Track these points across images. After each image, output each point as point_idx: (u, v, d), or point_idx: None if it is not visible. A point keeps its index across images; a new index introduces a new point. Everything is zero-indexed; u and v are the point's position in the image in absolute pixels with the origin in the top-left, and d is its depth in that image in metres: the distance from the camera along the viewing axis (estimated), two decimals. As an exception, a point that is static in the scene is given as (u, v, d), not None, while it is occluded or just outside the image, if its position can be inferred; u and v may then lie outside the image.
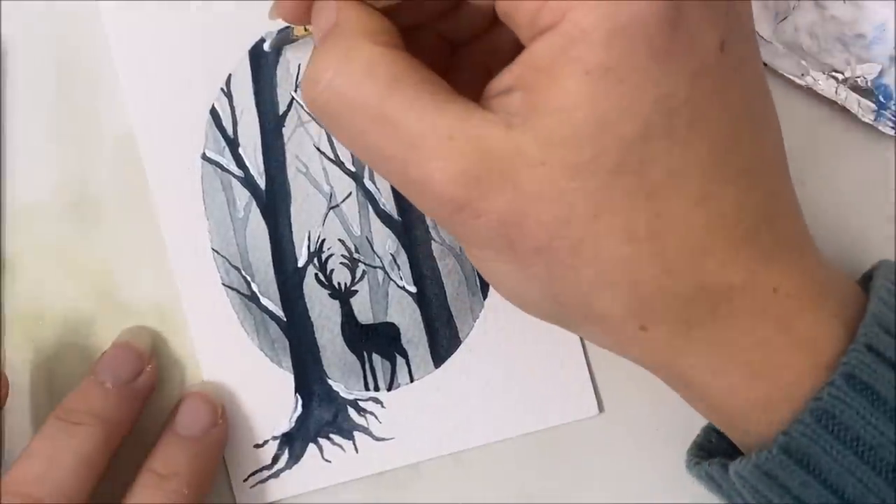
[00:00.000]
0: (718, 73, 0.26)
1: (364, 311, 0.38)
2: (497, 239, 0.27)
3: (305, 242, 0.38)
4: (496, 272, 0.29)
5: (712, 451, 0.34)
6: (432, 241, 0.38)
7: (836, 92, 0.37)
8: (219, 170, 0.38)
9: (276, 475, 0.37)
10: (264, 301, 0.38)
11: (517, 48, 0.27)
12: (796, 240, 0.29)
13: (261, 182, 0.38)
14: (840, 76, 0.37)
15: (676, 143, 0.26)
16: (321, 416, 0.38)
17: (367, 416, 0.38)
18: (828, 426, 0.27)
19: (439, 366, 0.38)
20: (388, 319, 0.38)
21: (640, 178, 0.26)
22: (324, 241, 0.38)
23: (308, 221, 0.38)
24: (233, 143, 0.38)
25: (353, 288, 0.38)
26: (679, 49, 0.25)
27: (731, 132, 0.27)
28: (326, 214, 0.38)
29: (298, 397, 0.38)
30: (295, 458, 0.38)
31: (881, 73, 0.37)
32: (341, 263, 0.38)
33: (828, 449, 0.27)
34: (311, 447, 0.38)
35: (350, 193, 0.38)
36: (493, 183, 0.26)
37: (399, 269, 0.38)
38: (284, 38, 0.37)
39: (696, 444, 0.35)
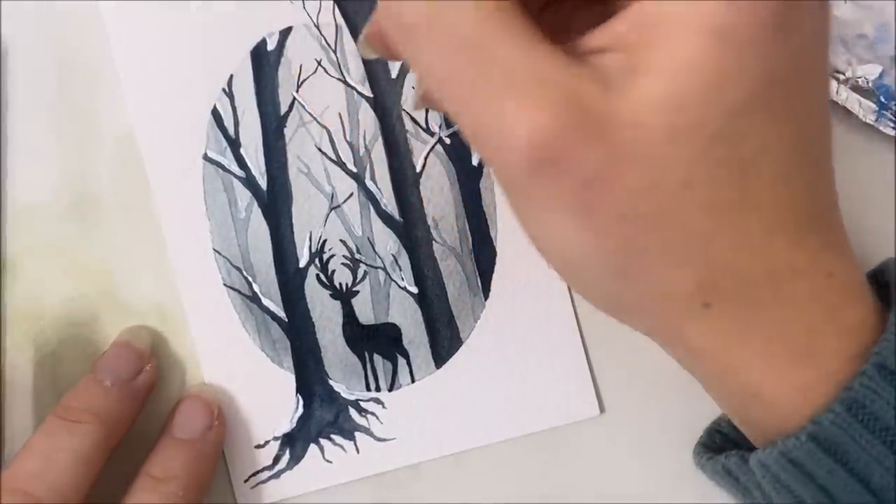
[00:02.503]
0: (813, 55, 0.26)
1: (365, 311, 0.38)
2: (577, 202, 0.25)
3: (307, 243, 0.38)
4: (559, 241, 0.27)
5: (717, 450, 0.34)
6: (434, 242, 0.38)
7: (837, 92, 0.37)
8: (220, 170, 0.38)
9: (276, 476, 0.37)
10: (265, 301, 0.38)
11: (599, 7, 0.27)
12: (842, 230, 0.29)
13: (262, 182, 0.38)
14: (841, 76, 0.37)
15: (772, 119, 0.26)
16: (322, 417, 0.38)
17: (369, 416, 0.38)
18: (858, 415, 0.27)
19: (440, 366, 0.38)
20: (390, 320, 0.38)
21: (734, 149, 0.25)
22: (325, 241, 0.38)
23: (309, 222, 0.38)
24: (234, 144, 0.38)
25: (354, 288, 0.38)
26: (791, 24, 0.25)
27: (812, 114, 0.27)
28: (328, 215, 0.38)
29: (299, 398, 0.38)
30: (296, 459, 0.38)
31: (882, 74, 0.37)
32: (343, 264, 0.38)
33: (857, 438, 0.27)
34: (312, 448, 0.38)
35: (351, 194, 0.38)
36: (585, 138, 0.25)
37: (400, 269, 0.38)
38: None
39: (701, 443, 0.35)
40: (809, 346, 0.28)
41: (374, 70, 0.38)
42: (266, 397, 0.37)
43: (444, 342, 0.38)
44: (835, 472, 0.28)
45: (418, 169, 0.38)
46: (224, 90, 0.38)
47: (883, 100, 0.37)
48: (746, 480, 0.31)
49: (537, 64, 0.25)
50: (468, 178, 0.38)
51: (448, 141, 0.38)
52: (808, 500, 0.28)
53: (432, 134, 0.38)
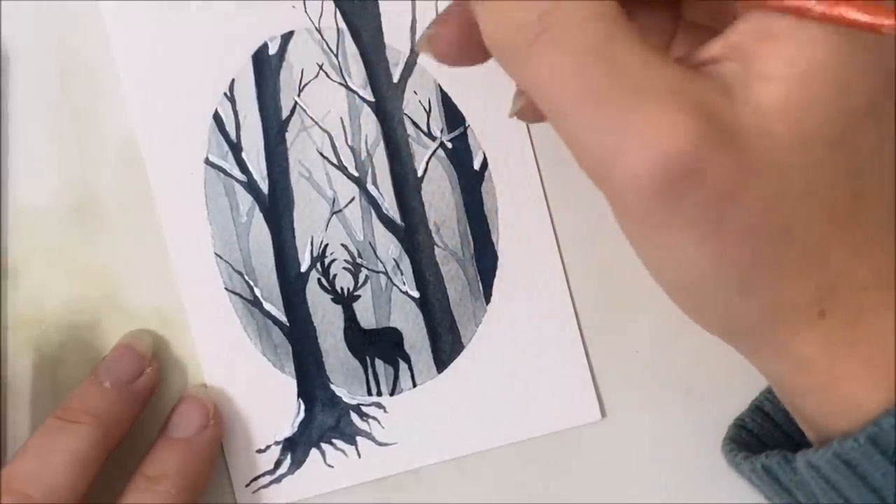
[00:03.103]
0: None
1: (367, 316, 0.38)
2: (706, 216, 0.25)
3: (308, 247, 0.38)
4: (682, 261, 0.26)
5: (744, 446, 0.34)
6: (435, 247, 0.38)
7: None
8: (222, 174, 0.38)
9: (278, 480, 0.37)
10: (267, 306, 0.38)
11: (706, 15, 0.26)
12: None
13: (264, 187, 0.38)
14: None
15: (882, 122, 0.25)
16: (324, 421, 0.38)
17: (370, 421, 0.38)
18: None
19: (442, 371, 0.38)
20: (391, 324, 0.38)
21: (851, 153, 0.25)
22: (326, 245, 0.38)
23: (311, 226, 0.38)
24: (236, 148, 0.38)
25: (355, 293, 0.38)
26: None
27: None
28: (329, 219, 0.38)
29: (301, 402, 0.38)
30: (297, 463, 0.38)
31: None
32: (344, 268, 0.38)
33: None
34: (314, 452, 0.38)
35: (353, 198, 0.38)
36: (719, 149, 0.24)
37: (402, 274, 0.38)
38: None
39: (730, 439, 0.34)
40: None
41: (375, 74, 0.38)
42: (267, 402, 0.37)
43: (446, 347, 0.38)
44: (889, 474, 0.27)
45: (420, 173, 0.38)
46: (225, 94, 0.38)
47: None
48: (788, 480, 0.30)
49: (664, 74, 0.24)
50: (470, 183, 0.38)
51: (450, 145, 0.38)
52: (857, 502, 0.28)
53: (434, 138, 0.38)
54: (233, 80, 0.38)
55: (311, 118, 0.38)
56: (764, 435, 0.34)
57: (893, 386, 0.27)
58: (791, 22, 0.24)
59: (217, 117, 0.37)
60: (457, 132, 0.38)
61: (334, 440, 0.38)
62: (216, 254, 0.37)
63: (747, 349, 0.29)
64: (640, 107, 0.24)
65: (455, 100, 0.38)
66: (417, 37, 0.29)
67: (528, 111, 0.29)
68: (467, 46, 0.28)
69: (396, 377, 0.38)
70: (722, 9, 0.27)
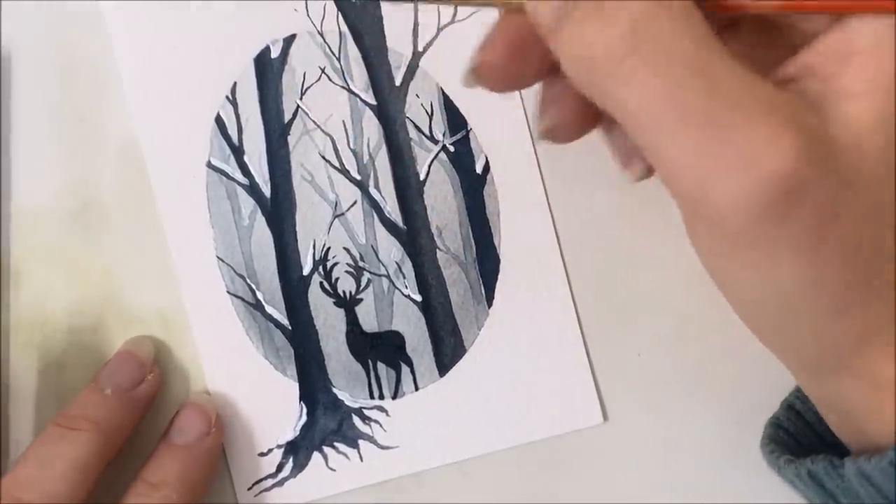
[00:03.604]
0: None
1: (369, 319, 0.38)
2: (807, 236, 0.24)
3: (310, 251, 0.38)
4: (771, 285, 0.25)
5: (784, 445, 0.33)
6: (437, 250, 0.38)
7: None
8: (224, 178, 0.38)
9: (280, 483, 0.37)
10: (269, 309, 0.38)
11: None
12: None
13: (266, 190, 0.38)
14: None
15: None
16: (326, 425, 0.38)
17: (372, 424, 0.38)
18: None
19: (444, 374, 0.38)
20: (394, 328, 0.38)
21: None
22: (329, 249, 0.38)
23: (313, 230, 0.38)
24: (238, 151, 0.38)
25: (358, 296, 0.38)
26: None
27: None
28: (332, 223, 0.38)
29: (303, 405, 0.38)
30: (299, 467, 0.38)
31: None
32: (346, 272, 0.38)
33: None
34: (316, 455, 0.38)
35: (355, 202, 0.38)
36: (819, 165, 0.23)
37: (404, 277, 0.38)
38: None
39: (770, 440, 0.34)
40: None
41: (377, 78, 0.38)
42: (269, 405, 0.37)
43: (448, 350, 0.38)
44: None
45: (422, 177, 0.38)
46: (228, 97, 0.38)
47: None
48: (834, 487, 0.30)
49: (760, 90, 0.24)
50: (472, 186, 0.38)
51: (452, 149, 0.38)
52: None
53: (436, 142, 0.38)
54: (235, 83, 0.37)
55: (314, 121, 0.38)
56: (798, 433, 0.33)
57: None
58: (871, 39, 0.24)
59: (219, 120, 0.37)
60: (459, 136, 0.38)
61: (336, 443, 0.38)
62: (218, 257, 0.37)
63: (819, 373, 0.28)
64: (741, 125, 0.23)
65: (457, 103, 0.38)
66: (463, 72, 0.27)
67: (560, 130, 0.28)
68: (519, 70, 0.27)
69: (398, 380, 0.38)
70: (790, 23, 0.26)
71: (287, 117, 0.38)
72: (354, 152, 0.38)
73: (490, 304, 0.38)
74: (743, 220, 0.24)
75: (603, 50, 0.23)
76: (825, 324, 0.26)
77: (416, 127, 0.38)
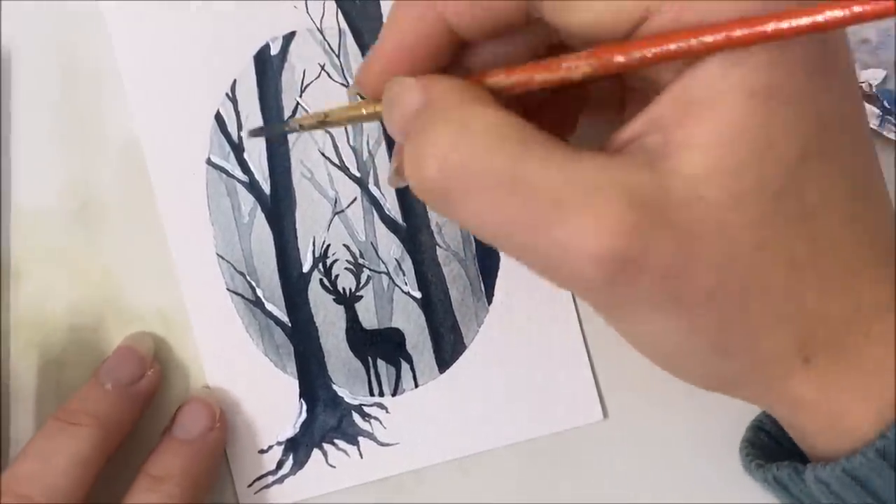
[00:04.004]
0: (853, 92, 0.26)
1: (369, 316, 0.38)
2: (661, 295, 0.25)
3: (310, 248, 0.38)
4: (653, 335, 0.27)
5: (763, 448, 0.34)
6: (437, 247, 0.38)
7: (840, 98, 0.37)
8: (224, 175, 0.38)
9: (280, 481, 0.37)
10: (269, 306, 0.38)
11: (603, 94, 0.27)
12: None
13: (266, 187, 0.38)
14: (844, 82, 0.37)
15: (827, 163, 0.26)
16: (326, 422, 0.38)
17: (372, 421, 0.38)
18: None
19: (444, 371, 0.38)
20: (393, 325, 0.38)
21: (797, 201, 0.25)
22: (329, 246, 0.38)
23: (313, 227, 0.38)
24: (238, 149, 0.38)
25: (357, 293, 0.38)
26: (829, 67, 0.25)
27: (862, 151, 0.27)
28: (331, 220, 0.38)
29: (303, 403, 0.38)
30: (299, 464, 0.38)
31: (886, 79, 0.37)
32: (346, 269, 0.38)
33: None
34: (316, 452, 0.38)
35: (355, 199, 0.38)
36: (652, 229, 0.24)
37: (404, 274, 0.38)
38: (272, 130, 0.37)
39: (748, 441, 0.34)
40: None
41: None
42: (269, 402, 0.37)
43: (448, 347, 0.38)
44: None
45: (422, 174, 0.38)
46: (227, 95, 0.38)
47: (886, 104, 0.37)
48: (798, 492, 0.30)
49: (583, 174, 0.24)
50: (471, 183, 0.38)
51: (451, 146, 0.38)
52: None
53: (436, 139, 0.38)
54: (235, 81, 0.38)
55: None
56: (780, 436, 0.34)
57: (893, 406, 0.27)
58: (708, 89, 0.25)
59: (219, 118, 0.38)
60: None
61: (336, 440, 0.38)
62: (218, 254, 0.37)
63: (740, 397, 0.29)
64: (565, 219, 0.24)
65: (457, 100, 0.38)
66: (388, 176, 0.31)
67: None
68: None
69: (398, 377, 0.38)
70: (649, 76, 0.27)
71: (287, 114, 0.38)
72: (354, 149, 0.38)
73: (490, 300, 0.38)
74: (595, 294, 0.26)
75: (427, 183, 0.25)
76: (715, 363, 0.27)
77: (416, 124, 0.38)
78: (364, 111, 0.29)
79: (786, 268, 0.26)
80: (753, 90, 0.24)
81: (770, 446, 0.34)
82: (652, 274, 0.25)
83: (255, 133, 0.32)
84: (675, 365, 0.28)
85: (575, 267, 0.25)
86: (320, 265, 0.38)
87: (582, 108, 0.32)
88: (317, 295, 0.38)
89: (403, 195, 0.38)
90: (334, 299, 0.38)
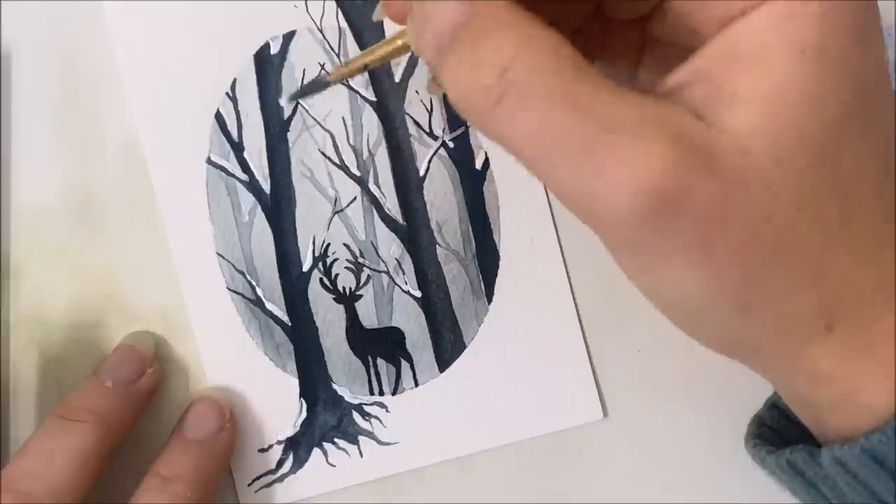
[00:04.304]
0: (883, 59, 0.26)
1: (369, 315, 0.38)
2: (694, 242, 0.25)
3: (310, 247, 0.38)
4: (677, 286, 0.26)
5: (768, 440, 0.34)
6: (437, 246, 0.38)
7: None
8: (224, 174, 0.38)
9: (280, 480, 0.37)
10: (269, 305, 0.38)
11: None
12: None
13: (266, 186, 0.38)
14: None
15: (865, 129, 0.26)
16: (326, 421, 0.38)
17: (372, 420, 0.38)
18: None
19: (444, 370, 0.38)
20: (393, 324, 0.38)
21: (835, 164, 0.25)
22: (329, 245, 0.38)
23: (313, 226, 0.38)
24: (238, 148, 0.38)
25: (357, 292, 0.38)
26: (870, 35, 0.25)
27: (892, 121, 0.27)
28: (331, 219, 0.38)
29: (303, 402, 0.38)
30: (300, 463, 0.38)
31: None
32: (346, 268, 0.38)
33: None
34: (316, 451, 0.38)
35: (355, 198, 0.38)
36: (695, 171, 0.24)
37: (404, 273, 0.38)
38: (314, 87, 0.36)
39: (754, 434, 0.34)
40: None
41: (377, 74, 0.38)
42: (270, 401, 0.37)
43: (448, 346, 0.38)
44: None
45: (422, 173, 0.38)
46: (227, 94, 0.38)
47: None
48: (813, 475, 0.30)
49: (632, 109, 0.24)
50: (471, 182, 0.38)
51: (451, 145, 0.38)
52: (886, 497, 0.28)
53: (436, 138, 0.38)
54: (235, 80, 0.38)
55: (313, 118, 0.38)
56: (782, 430, 0.34)
57: None
58: (757, 43, 0.25)
59: (219, 117, 0.38)
60: (458, 131, 0.38)
61: (336, 440, 0.38)
62: (218, 253, 0.37)
63: (758, 366, 0.29)
64: (611, 146, 0.24)
65: (457, 99, 0.38)
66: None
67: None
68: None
69: (398, 377, 0.38)
70: (687, 26, 0.27)
71: (287, 114, 0.38)
72: (354, 149, 0.38)
73: (490, 300, 0.38)
74: (629, 231, 0.25)
75: (478, 95, 0.25)
76: (735, 321, 0.27)
77: (416, 123, 0.38)
78: (400, 42, 0.29)
79: (819, 232, 0.26)
80: (804, 46, 0.24)
81: (773, 440, 0.34)
82: (688, 217, 0.24)
83: (296, 95, 0.33)
84: (694, 323, 0.28)
85: (613, 198, 0.24)
86: (320, 264, 0.38)
87: (597, 54, 0.31)
88: (317, 294, 0.38)
89: (404, 194, 0.38)
90: (334, 298, 0.38)
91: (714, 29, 0.26)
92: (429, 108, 0.38)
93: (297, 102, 0.38)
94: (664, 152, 0.24)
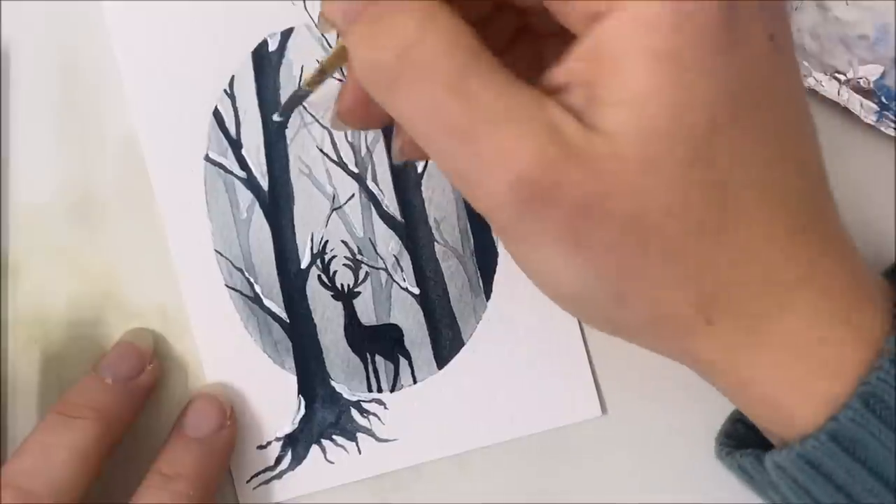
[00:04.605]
0: (771, 62, 0.26)
1: (367, 312, 0.38)
2: (565, 234, 0.26)
3: (308, 244, 0.38)
4: (555, 273, 0.27)
5: (740, 439, 0.34)
6: (435, 243, 0.38)
7: (838, 93, 0.37)
8: (222, 171, 0.38)
9: (279, 476, 0.37)
10: (267, 302, 0.38)
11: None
12: (841, 231, 0.29)
13: (264, 184, 0.38)
14: (842, 77, 0.37)
15: (740, 132, 0.26)
16: (324, 418, 0.38)
17: (370, 417, 0.38)
18: (875, 410, 0.27)
19: (442, 367, 0.38)
20: (392, 321, 0.38)
21: (709, 169, 0.26)
22: (327, 242, 0.38)
23: (311, 223, 0.38)
24: (236, 145, 0.38)
25: (356, 289, 0.38)
26: (737, 37, 0.25)
27: (785, 120, 0.27)
28: (329, 216, 0.38)
29: (301, 399, 0.38)
30: (298, 460, 0.38)
31: (883, 75, 0.37)
32: (344, 265, 0.38)
33: (876, 434, 0.27)
34: (315, 448, 0.38)
35: (353, 195, 0.38)
36: (569, 171, 0.25)
37: (402, 270, 0.38)
38: (295, 100, 0.37)
39: (724, 432, 0.35)
40: (828, 355, 0.28)
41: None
42: (268, 398, 0.37)
43: (446, 343, 0.38)
44: (853, 470, 0.27)
45: (420, 170, 0.38)
46: (225, 91, 0.38)
47: (884, 100, 0.37)
48: (761, 479, 0.31)
49: (516, 103, 0.25)
50: (469, 179, 0.38)
51: (449, 142, 0.38)
52: (825, 501, 0.28)
53: (434, 135, 0.38)
54: (233, 77, 0.38)
55: (311, 115, 0.38)
56: (751, 431, 0.34)
57: (821, 390, 0.28)
58: (617, 48, 0.25)
59: (217, 114, 0.38)
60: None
61: (335, 437, 0.38)
62: (216, 250, 0.38)
63: (651, 349, 0.30)
64: (493, 136, 0.25)
65: (455, 96, 0.38)
66: (329, 119, 0.33)
67: (407, 149, 0.31)
68: (368, 114, 0.30)
69: (397, 374, 0.38)
70: (563, 23, 0.27)
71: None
72: (352, 145, 0.38)
73: (488, 296, 0.38)
74: (506, 218, 0.26)
75: (377, 70, 0.26)
76: (611, 309, 0.28)
77: (414, 120, 0.38)
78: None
79: (692, 234, 0.26)
80: (658, 54, 0.25)
81: (749, 437, 0.34)
82: (559, 210, 0.25)
83: (284, 113, 0.35)
84: (578, 309, 0.29)
85: (491, 184, 0.26)
86: (318, 261, 0.38)
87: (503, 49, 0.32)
88: (315, 291, 0.38)
89: (402, 191, 0.38)
90: (332, 295, 0.38)
91: (582, 27, 0.26)
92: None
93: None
94: (541, 148, 0.25)
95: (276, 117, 0.38)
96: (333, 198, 0.38)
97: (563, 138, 0.25)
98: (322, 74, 0.32)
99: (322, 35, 0.38)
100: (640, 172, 0.25)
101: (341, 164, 0.38)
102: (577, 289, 0.27)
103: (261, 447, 0.37)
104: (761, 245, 0.27)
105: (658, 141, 0.25)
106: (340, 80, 0.37)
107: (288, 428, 0.38)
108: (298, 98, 0.37)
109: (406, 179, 0.38)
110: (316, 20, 0.38)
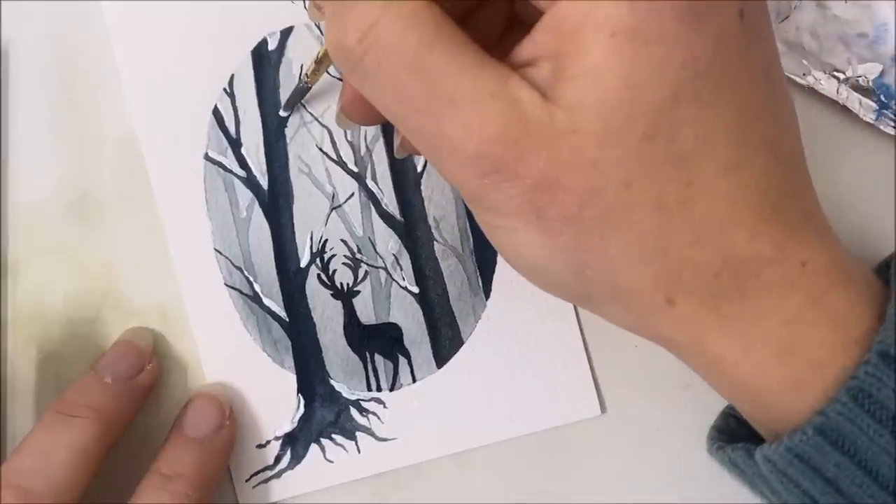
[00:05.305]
0: (739, 40, 0.26)
1: (366, 311, 0.38)
2: (526, 206, 0.27)
3: (308, 243, 0.38)
4: (518, 244, 0.28)
5: (732, 434, 0.34)
6: (435, 242, 0.38)
7: (837, 91, 0.37)
8: (221, 170, 0.38)
9: (278, 475, 0.37)
10: (267, 301, 0.38)
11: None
12: (818, 216, 0.29)
13: (263, 182, 0.38)
14: (841, 76, 0.37)
15: (704, 108, 0.26)
16: (323, 417, 0.38)
17: (370, 416, 0.38)
18: (864, 405, 0.27)
19: (441, 366, 0.38)
20: (391, 320, 0.38)
21: (669, 144, 0.26)
22: (326, 241, 0.38)
23: (310, 222, 0.38)
24: (235, 144, 0.38)
25: (355, 288, 0.38)
26: (702, 13, 0.25)
27: (754, 99, 0.27)
28: (329, 215, 0.38)
29: (301, 397, 0.38)
30: (297, 459, 0.38)
31: (882, 73, 0.37)
32: (344, 264, 0.38)
33: (864, 428, 0.27)
34: (314, 447, 0.38)
35: (352, 194, 0.38)
36: (529, 146, 0.26)
37: (401, 269, 0.38)
38: (297, 95, 0.37)
39: (716, 427, 0.35)
40: (793, 337, 0.28)
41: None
42: (267, 397, 0.37)
43: (445, 342, 0.38)
44: (842, 465, 0.27)
45: (419, 169, 0.38)
46: (225, 90, 0.38)
47: (883, 99, 0.37)
48: (752, 474, 0.31)
49: (482, 79, 0.26)
50: (469, 178, 0.38)
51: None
52: (816, 495, 0.28)
53: (433, 134, 0.38)
54: (232, 76, 0.38)
55: (311, 114, 0.38)
56: (743, 425, 0.34)
57: (788, 372, 0.28)
58: (576, 24, 0.25)
59: (216, 113, 0.38)
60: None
61: (334, 435, 0.38)
62: (216, 249, 0.38)
63: (618, 322, 0.30)
64: (455, 114, 0.26)
65: (454, 95, 0.38)
66: (335, 118, 0.33)
67: (407, 144, 0.32)
68: (368, 110, 0.30)
69: (396, 372, 0.38)
70: None
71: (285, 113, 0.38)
72: (352, 144, 0.38)
73: (487, 295, 0.38)
74: (469, 190, 0.27)
75: (344, 52, 0.26)
76: (571, 282, 0.28)
77: (413, 119, 0.38)
78: None
79: (652, 209, 0.26)
80: (615, 29, 0.25)
81: (741, 432, 0.34)
82: (519, 183, 0.26)
83: (288, 108, 0.36)
84: (543, 280, 0.29)
85: (455, 160, 0.26)
86: (318, 260, 0.38)
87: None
88: (314, 290, 0.38)
89: (401, 190, 0.38)
90: (332, 294, 0.38)
91: (548, 1, 0.26)
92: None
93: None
94: (502, 126, 0.25)
95: (282, 112, 0.38)
96: (333, 197, 0.38)
97: (524, 114, 0.26)
98: (319, 65, 0.32)
99: (320, 32, 0.38)
100: (599, 146, 0.25)
101: (341, 163, 0.38)
102: (539, 261, 0.28)
103: (260, 446, 0.37)
104: (724, 223, 0.27)
105: (616, 114, 0.25)
106: (340, 80, 0.37)
107: (287, 427, 0.38)
108: (300, 93, 0.37)
109: (405, 178, 0.38)
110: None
